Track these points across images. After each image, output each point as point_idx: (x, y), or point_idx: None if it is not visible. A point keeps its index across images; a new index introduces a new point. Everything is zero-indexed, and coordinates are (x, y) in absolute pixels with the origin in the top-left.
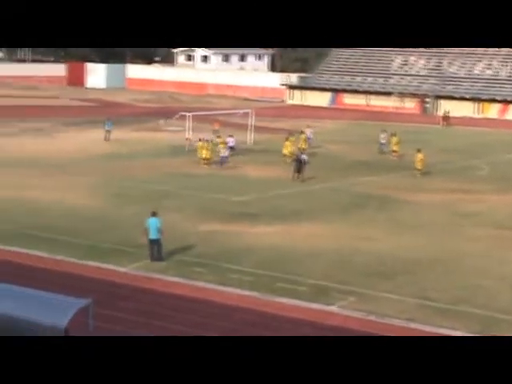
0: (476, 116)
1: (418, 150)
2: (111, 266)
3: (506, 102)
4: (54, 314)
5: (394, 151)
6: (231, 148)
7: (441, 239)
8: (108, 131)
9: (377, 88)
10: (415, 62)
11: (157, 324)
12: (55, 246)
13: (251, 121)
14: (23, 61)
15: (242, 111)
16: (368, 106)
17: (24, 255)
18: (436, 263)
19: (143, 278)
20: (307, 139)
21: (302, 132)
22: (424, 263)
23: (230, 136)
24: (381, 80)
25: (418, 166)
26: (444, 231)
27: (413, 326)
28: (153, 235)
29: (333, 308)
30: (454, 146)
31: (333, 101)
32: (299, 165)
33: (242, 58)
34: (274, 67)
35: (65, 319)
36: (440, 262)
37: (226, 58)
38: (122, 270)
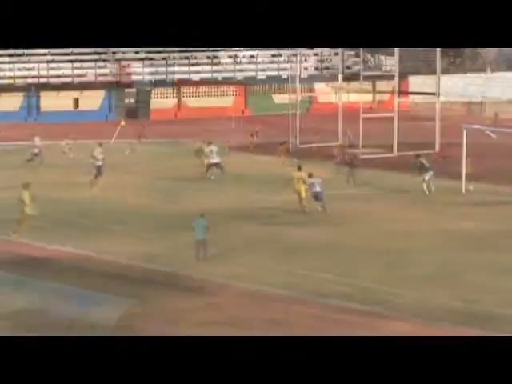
0: None
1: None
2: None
3: None
4: (102, 311)
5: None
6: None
7: None
8: None
9: None
10: None
11: None
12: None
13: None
14: None
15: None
16: None
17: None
18: None
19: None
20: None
21: (345, 133)
22: None
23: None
24: None
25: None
26: None
27: (462, 327)
28: (199, 235)
29: (379, 309)
30: None
31: None
32: (352, 168)
33: None
34: None
35: (112, 317)
36: None
37: None
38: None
